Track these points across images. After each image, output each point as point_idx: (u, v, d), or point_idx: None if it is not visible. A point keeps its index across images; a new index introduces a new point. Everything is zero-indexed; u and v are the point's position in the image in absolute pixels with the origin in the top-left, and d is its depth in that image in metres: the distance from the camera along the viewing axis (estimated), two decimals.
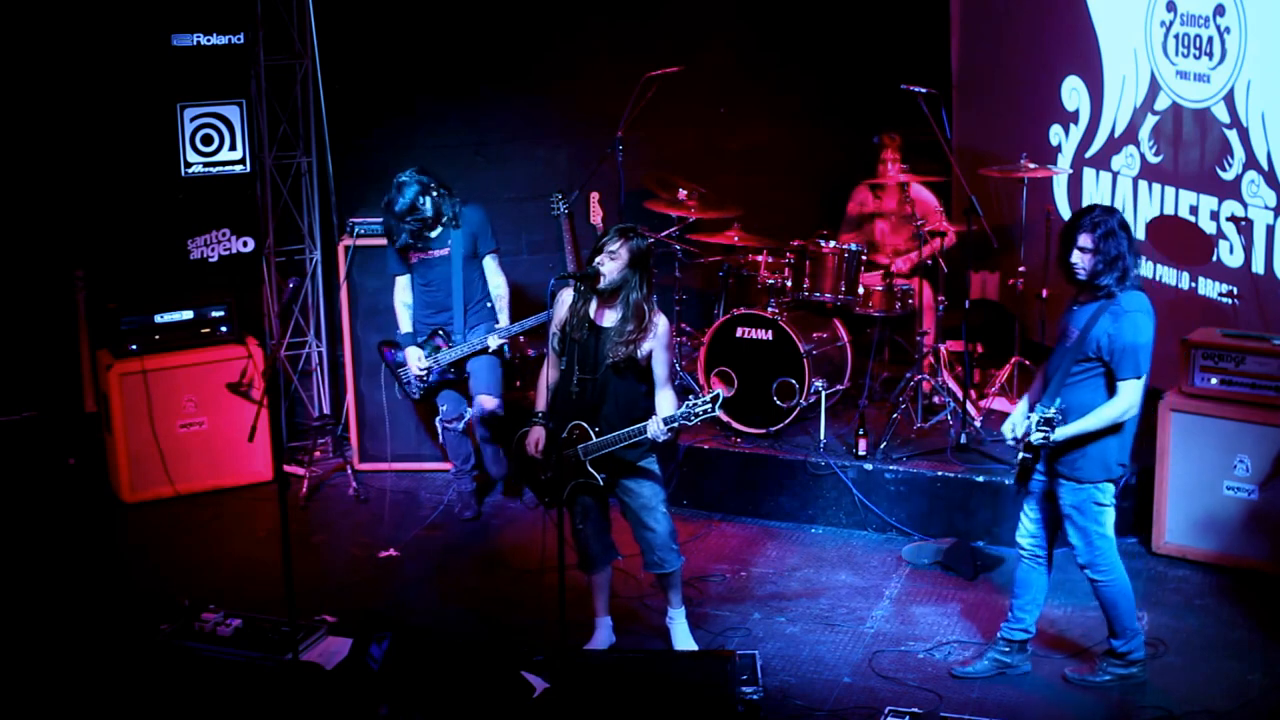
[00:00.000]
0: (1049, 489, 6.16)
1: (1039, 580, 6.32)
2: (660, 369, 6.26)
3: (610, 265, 6.19)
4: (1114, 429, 5.96)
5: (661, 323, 6.26)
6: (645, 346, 6.23)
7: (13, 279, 8.51)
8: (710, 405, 5.99)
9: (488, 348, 7.78)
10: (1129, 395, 5.91)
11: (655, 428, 6.11)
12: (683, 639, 6.59)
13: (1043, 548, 6.28)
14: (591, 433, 6.25)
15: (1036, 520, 6.26)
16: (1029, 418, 5.97)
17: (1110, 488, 6.10)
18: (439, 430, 8.03)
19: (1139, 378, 5.91)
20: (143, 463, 8.31)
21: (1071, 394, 5.96)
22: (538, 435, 6.45)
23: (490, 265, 7.91)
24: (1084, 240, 5.88)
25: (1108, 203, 8.67)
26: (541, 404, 6.49)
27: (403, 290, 7.95)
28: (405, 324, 7.95)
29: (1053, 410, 5.87)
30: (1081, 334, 5.93)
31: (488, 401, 7.82)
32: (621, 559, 6.71)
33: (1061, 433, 5.88)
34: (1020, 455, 6.04)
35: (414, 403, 8.16)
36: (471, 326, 7.85)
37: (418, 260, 7.82)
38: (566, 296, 6.42)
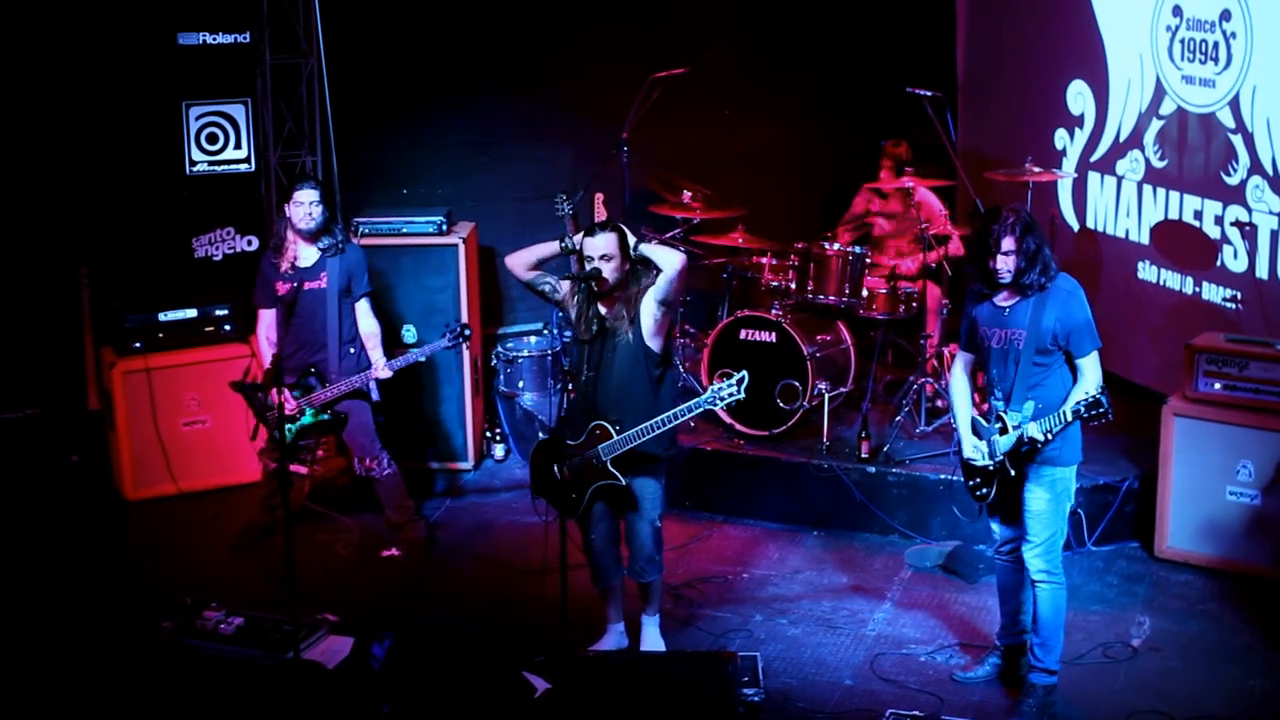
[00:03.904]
0: (1014, 488, 6.10)
1: (1021, 580, 6.28)
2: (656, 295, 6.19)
3: (608, 267, 6.17)
4: None
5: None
6: (644, 304, 6.21)
7: (17, 276, 8.50)
8: (736, 388, 5.97)
9: (374, 381, 7.44)
10: (1097, 367, 5.93)
11: (684, 408, 6.07)
12: (652, 642, 6.60)
13: (1018, 548, 6.24)
14: (613, 431, 6.19)
15: (1006, 523, 6.24)
16: (1009, 423, 5.92)
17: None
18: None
19: (1099, 348, 5.94)
20: (146, 460, 8.32)
21: (1040, 390, 5.93)
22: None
23: (364, 307, 7.51)
24: (1007, 244, 5.84)
25: (1113, 207, 8.68)
26: None
27: (270, 327, 7.51)
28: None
29: (1029, 408, 5.89)
30: (1031, 330, 5.90)
31: (370, 464, 7.56)
32: (627, 573, 6.70)
33: (1049, 418, 5.83)
34: (995, 467, 6.00)
35: (421, 404, 8.11)
36: (345, 371, 7.42)
37: (287, 291, 7.37)
38: (564, 286, 6.38)
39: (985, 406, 6.18)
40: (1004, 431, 5.98)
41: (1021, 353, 5.93)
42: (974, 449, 6.10)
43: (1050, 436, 5.86)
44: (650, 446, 6.20)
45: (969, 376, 6.29)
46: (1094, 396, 5.70)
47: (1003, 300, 5.99)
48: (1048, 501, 6.03)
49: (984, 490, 6.13)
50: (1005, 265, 5.87)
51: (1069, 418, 5.79)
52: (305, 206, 7.34)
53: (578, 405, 6.33)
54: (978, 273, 6.01)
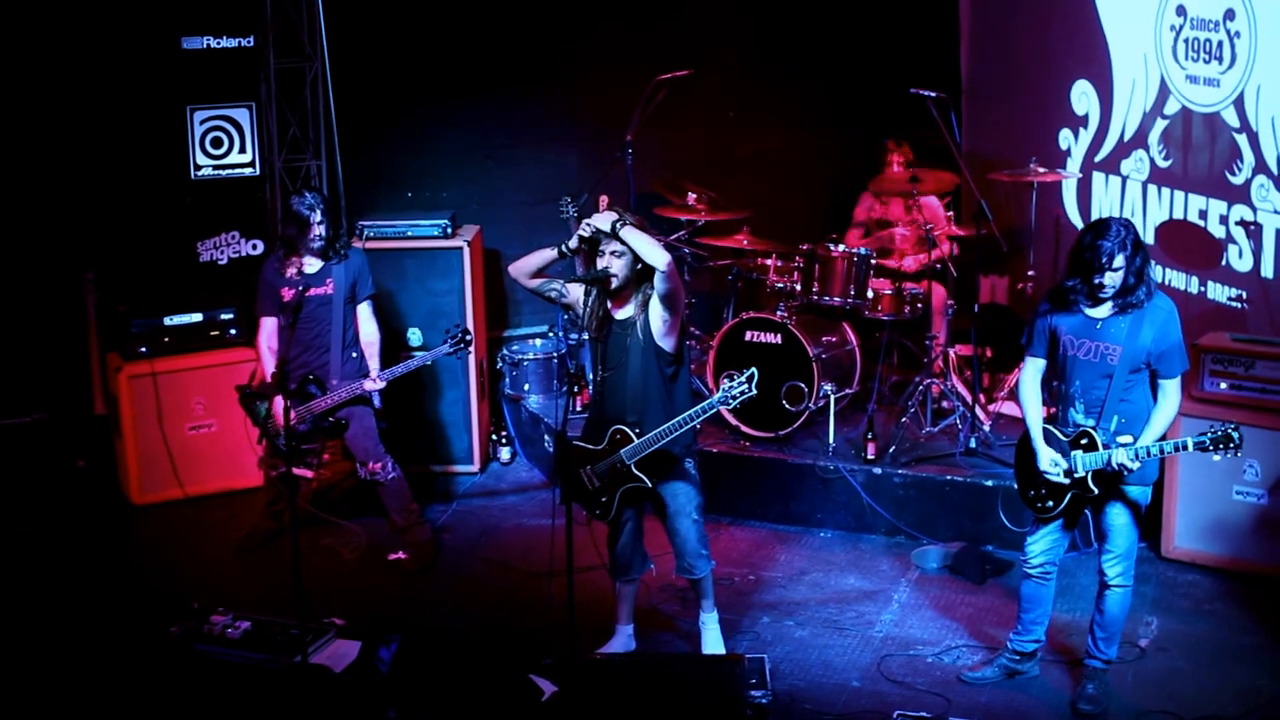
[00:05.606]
0: (1083, 504, 6.08)
1: (1049, 594, 6.28)
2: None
3: (618, 263, 6.12)
4: None
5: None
6: (652, 306, 6.15)
7: (23, 281, 8.52)
8: (747, 385, 5.94)
9: (365, 392, 7.38)
10: (1179, 389, 5.93)
11: (702, 406, 6.03)
12: (713, 643, 6.56)
13: (1055, 565, 6.24)
14: (633, 434, 6.18)
15: (1055, 540, 6.19)
16: (1098, 440, 5.87)
17: None
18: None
19: (1185, 370, 5.96)
20: (152, 465, 8.32)
21: (1124, 405, 5.90)
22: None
23: (365, 311, 7.51)
24: (1120, 260, 5.75)
25: (1117, 207, 8.67)
26: None
27: (271, 335, 7.48)
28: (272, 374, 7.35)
29: (1114, 423, 5.88)
30: (1128, 348, 5.84)
31: (375, 468, 7.54)
32: (653, 569, 6.71)
33: (1147, 447, 5.80)
34: (1071, 483, 5.95)
35: (426, 408, 8.08)
36: (346, 375, 7.41)
37: (292, 296, 7.29)
38: (572, 289, 6.33)
39: (1049, 413, 6.13)
40: (1090, 447, 5.91)
41: (1116, 369, 5.87)
42: (1052, 463, 6.00)
43: (1144, 460, 5.83)
44: (671, 446, 6.20)
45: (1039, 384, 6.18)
46: (1224, 431, 5.68)
47: (1097, 312, 5.92)
48: (1130, 515, 6.03)
49: (1049, 504, 6.06)
50: (1113, 281, 5.79)
51: (1190, 447, 5.75)
52: (315, 228, 7.33)
53: (596, 406, 6.35)
54: (1080, 286, 5.88)
